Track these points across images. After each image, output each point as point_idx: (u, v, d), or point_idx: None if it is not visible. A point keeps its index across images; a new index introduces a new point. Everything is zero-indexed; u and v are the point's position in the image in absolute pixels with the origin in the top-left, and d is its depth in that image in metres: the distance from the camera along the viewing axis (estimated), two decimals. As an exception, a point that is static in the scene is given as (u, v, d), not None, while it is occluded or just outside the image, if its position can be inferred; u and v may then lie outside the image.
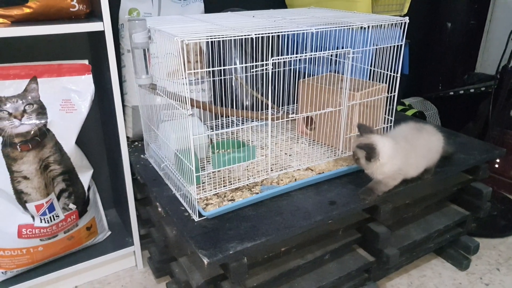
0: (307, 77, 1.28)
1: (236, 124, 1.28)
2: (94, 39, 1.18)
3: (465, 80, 2.05)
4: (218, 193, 0.99)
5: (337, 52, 1.08)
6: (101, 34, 1.03)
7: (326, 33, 1.17)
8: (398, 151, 0.98)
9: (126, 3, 1.24)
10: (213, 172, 1.04)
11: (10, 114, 1.01)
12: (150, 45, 0.98)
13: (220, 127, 1.30)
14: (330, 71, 1.30)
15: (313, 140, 1.26)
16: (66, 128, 1.09)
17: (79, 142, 1.14)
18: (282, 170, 1.08)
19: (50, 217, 1.11)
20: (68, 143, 1.11)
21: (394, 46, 1.12)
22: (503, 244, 1.45)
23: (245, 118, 1.12)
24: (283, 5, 1.63)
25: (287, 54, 1.26)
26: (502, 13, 2.08)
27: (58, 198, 1.13)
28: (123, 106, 1.31)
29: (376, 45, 1.12)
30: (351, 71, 1.08)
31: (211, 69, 1.19)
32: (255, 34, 0.88)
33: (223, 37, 0.86)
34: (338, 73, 1.27)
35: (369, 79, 1.21)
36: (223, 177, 1.03)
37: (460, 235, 1.33)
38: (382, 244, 1.06)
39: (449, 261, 1.35)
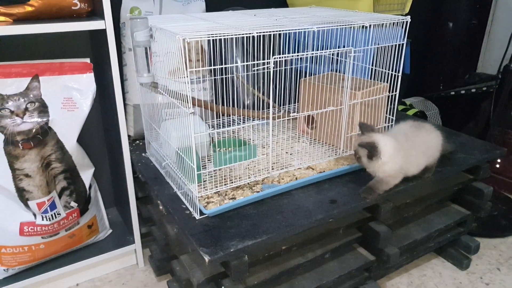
0: (308, 76, 1.28)
1: (237, 123, 1.29)
2: (95, 38, 1.19)
3: (466, 80, 2.05)
4: (219, 191, 0.99)
5: (338, 51, 1.08)
6: (103, 32, 1.04)
7: (327, 32, 1.18)
8: (400, 149, 0.98)
9: (128, 1, 1.24)
10: (214, 171, 1.04)
11: (12, 112, 1.01)
12: (152, 43, 0.98)
13: (221, 125, 1.30)
14: (331, 70, 1.30)
15: (314, 139, 1.27)
16: (68, 126, 1.09)
17: (81, 140, 1.14)
18: (283, 169, 1.08)
19: (51, 215, 1.12)
20: (70, 142, 1.11)
21: (396, 45, 1.12)
22: (504, 244, 1.45)
23: (246, 117, 1.12)
24: (285, 4, 1.63)
25: (289, 53, 1.26)
26: (504, 13, 2.08)
27: (60, 196, 1.13)
28: (125, 104, 1.32)
29: (378, 44, 1.12)
30: (352, 70, 1.08)
31: (212, 67, 1.19)
32: (257, 33, 0.88)
33: (225, 36, 0.86)
34: (339, 72, 1.27)
35: (370, 78, 1.22)
36: (224, 176, 1.03)
37: (460, 234, 1.33)
38: (383, 243, 1.06)
39: (449, 261, 1.35)
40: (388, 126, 1.24)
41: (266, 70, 0.92)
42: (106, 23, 1.01)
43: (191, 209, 0.94)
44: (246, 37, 0.88)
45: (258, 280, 0.93)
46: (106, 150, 1.42)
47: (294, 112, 1.37)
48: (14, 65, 1.03)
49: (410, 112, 1.89)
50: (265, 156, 1.13)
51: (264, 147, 1.21)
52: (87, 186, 1.20)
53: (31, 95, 1.04)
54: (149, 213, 1.20)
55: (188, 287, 0.99)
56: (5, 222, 1.08)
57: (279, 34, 1.18)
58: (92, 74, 1.10)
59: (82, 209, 1.20)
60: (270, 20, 1.04)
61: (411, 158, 1.02)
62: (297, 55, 1.00)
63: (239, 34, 0.87)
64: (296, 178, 1.06)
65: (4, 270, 1.12)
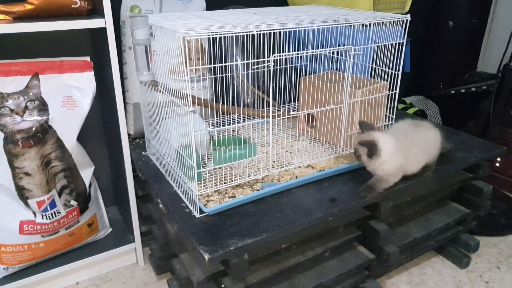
0: (308, 74, 1.28)
1: (237, 122, 1.29)
2: (95, 36, 1.19)
3: (466, 78, 2.05)
4: (219, 189, 1.00)
5: (338, 49, 1.08)
6: (103, 31, 1.04)
7: (327, 30, 1.17)
8: (399, 147, 0.98)
9: (128, 0, 1.24)
10: (214, 169, 1.04)
11: (12, 110, 1.01)
12: (152, 42, 0.98)
13: (221, 124, 1.30)
14: (331, 69, 1.30)
15: (314, 138, 1.27)
16: (68, 124, 1.09)
17: (81, 139, 1.14)
18: (283, 167, 1.08)
19: (51, 213, 1.12)
20: (70, 140, 1.11)
21: (396, 44, 1.12)
22: (503, 242, 1.45)
23: (246, 116, 1.12)
24: (285, 3, 1.63)
25: (289, 51, 1.26)
26: (504, 12, 2.08)
27: (60, 194, 1.13)
28: (125, 103, 1.32)
29: (378, 43, 1.12)
30: (352, 68, 1.08)
31: (212, 65, 1.19)
32: (257, 31, 0.88)
33: (225, 34, 0.86)
34: (339, 70, 1.27)
35: (370, 77, 1.22)
36: (224, 174, 1.03)
37: (460, 233, 1.33)
38: (383, 241, 1.06)
39: (449, 259, 1.36)
40: (388, 124, 1.24)
41: (266, 69, 0.92)
42: (106, 22, 1.01)
43: (191, 208, 0.94)
44: (246, 35, 0.88)
45: (258, 279, 0.93)
46: (106, 149, 1.42)
47: (294, 110, 1.37)
48: (14, 63, 1.03)
49: (410, 111, 1.89)
50: (265, 155, 1.13)
51: (264, 146, 1.22)
52: (87, 185, 1.20)
53: (31, 94, 1.04)
54: (149, 211, 1.20)
55: (188, 286, 0.99)
56: (5, 221, 1.08)
57: (279, 33, 1.18)
58: (92, 72, 1.10)
59: (82, 207, 1.20)
60: (270, 19, 1.04)
61: (411, 156, 1.02)
62: (297, 54, 1.00)
63: (239, 33, 0.87)
64: (296, 177, 1.06)
65: (4, 268, 1.12)
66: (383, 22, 1.09)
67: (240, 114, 1.12)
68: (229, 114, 1.28)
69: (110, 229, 1.34)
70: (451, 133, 1.38)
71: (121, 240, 1.30)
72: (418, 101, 2.08)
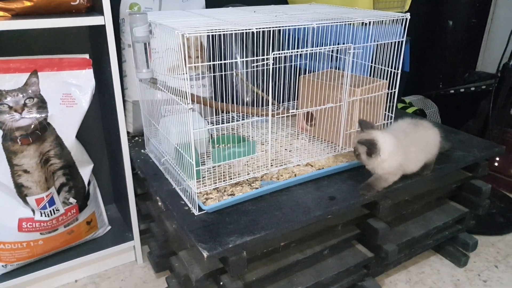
0: (308, 73, 1.28)
1: (237, 120, 1.29)
2: (95, 34, 1.18)
3: (465, 78, 2.05)
4: (218, 187, 1.00)
5: (338, 47, 1.08)
6: (102, 28, 1.03)
7: (327, 28, 1.17)
8: (399, 147, 0.99)
9: (127, -3, 1.24)
10: (213, 167, 1.04)
11: (10, 107, 1.01)
12: (151, 39, 0.98)
13: (220, 122, 1.30)
14: (330, 67, 1.30)
15: (313, 136, 1.27)
16: (67, 122, 1.09)
17: (80, 136, 1.14)
18: (282, 165, 1.08)
19: (50, 211, 1.12)
20: (69, 138, 1.11)
21: (395, 42, 1.12)
22: (502, 241, 1.45)
23: (245, 114, 1.12)
24: (284, 1, 1.62)
25: (288, 49, 1.26)
26: (504, 12, 2.08)
27: (59, 192, 1.13)
28: (124, 101, 1.32)
29: (377, 41, 1.12)
30: (352, 67, 1.08)
31: (211, 63, 1.19)
32: (256, 29, 0.88)
33: (224, 31, 0.86)
34: (338, 69, 1.27)
35: (370, 76, 1.22)
36: (223, 172, 1.03)
37: (458, 232, 1.33)
38: (381, 240, 1.06)
39: (447, 258, 1.36)
40: (387, 123, 1.24)
41: (265, 67, 0.92)
42: (105, 19, 1.01)
43: (190, 205, 0.94)
44: (246, 33, 0.88)
45: (256, 276, 0.93)
46: (105, 147, 1.42)
47: (293, 109, 1.37)
48: (12, 60, 1.03)
49: (410, 110, 1.89)
50: (264, 153, 1.13)
51: (263, 144, 1.22)
52: (86, 182, 1.20)
53: (30, 91, 1.04)
54: (148, 209, 1.20)
55: (186, 283, 0.99)
56: (3, 218, 1.08)
57: (279, 31, 1.18)
58: (91, 70, 1.10)
59: (81, 205, 1.20)
60: (269, 17, 1.04)
61: (410, 155, 1.02)
62: (297, 52, 1.00)
63: (238, 30, 0.87)
64: (295, 175, 1.07)
65: (2, 266, 1.12)
66: (382, 21, 1.09)
67: (239, 112, 1.11)
68: (228, 112, 1.28)
69: (109, 227, 1.34)
70: (450, 132, 1.38)
71: (120, 238, 1.30)
72: (417, 100, 2.08)
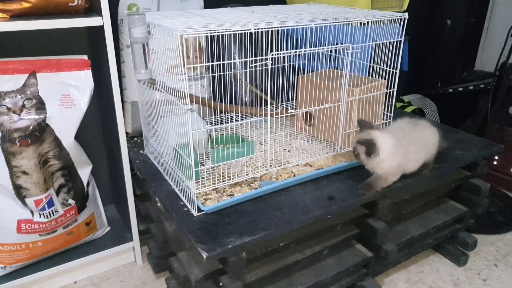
0: (306, 73, 1.28)
1: (235, 120, 1.29)
2: (93, 34, 1.18)
3: (464, 77, 2.05)
4: (217, 188, 0.99)
5: (336, 47, 1.08)
6: (100, 29, 1.03)
7: (325, 28, 1.17)
8: (398, 147, 0.99)
9: (125, -2, 1.23)
10: (212, 167, 1.04)
11: (9, 109, 1.01)
12: (149, 40, 0.98)
13: (219, 122, 1.30)
14: (329, 67, 1.30)
15: (312, 136, 1.27)
16: (65, 123, 1.09)
17: (78, 137, 1.14)
18: (281, 165, 1.08)
19: (49, 212, 1.11)
20: (67, 139, 1.11)
21: (394, 42, 1.12)
22: (501, 240, 1.45)
23: (244, 114, 1.12)
24: (283, 1, 1.62)
25: (287, 49, 1.26)
26: (502, 10, 2.08)
27: (57, 193, 1.13)
28: (122, 101, 1.31)
29: (376, 41, 1.12)
30: (350, 67, 1.08)
31: (210, 63, 1.19)
32: (255, 29, 0.87)
33: (223, 32, 0.86)
34: (337, 69, 1.27)
35: (368, 75, 1.22)
36: (222, 172, 1.03)
37: (458, 231, 1.33)
38: (381, 239, 1.06)
39: (447, 257, 1.36)
40: (386, 123, 1.24)
41: (264, 67, 0.92)
42: (103, 20, 1.01)
43: (189, 206, 0.94)
44: (244, 33, 0.88)
45: (256, 277, 0.93)
46: (104, 147, 1.42)
47: (292, 109, 1.37)
48: (11, 61, 1.02)
49: (408, 109, 1.89)
50: (263, 153, 1.13)
51: (262, 144, 1.21)
52: (85, 183, 1.20)
53: (28, 92, 1.03)
54: (147, 210, 1.20)
55: (186, 284, 0.99)
56: (2, 220, 1.07)
57: (277, 31, 1.18)
58: (90, 71, 1.10)
59: (80, 206, 1.20)
60: (268, 17, 1.04)
61: (409, 155, 1.02)
62: (295, 52, 1.00)
63: (237, 31, 0.87)
64: (294, 175, 1.07)
65: (1, 267, 1.12)
66: (381, 21, 1.09)
67: (238, 113, 1.11)
68: (227, 113, 1.28)
69: (108, 228, 1.34)
70: (449, 131, 1.38)
71: (119, 238, 1.30)
72: (416, 99, 2.08)
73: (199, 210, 0.92)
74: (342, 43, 1.12)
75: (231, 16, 1.04)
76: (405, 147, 1.00)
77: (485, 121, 1.69)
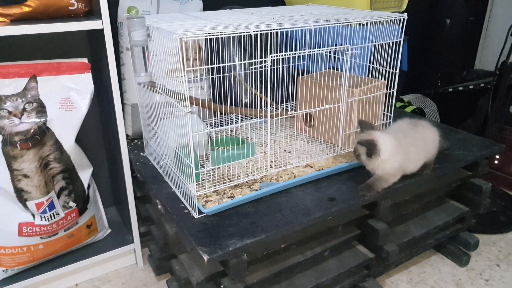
0: (306, 74, 1.28)
1: (235, 122, 1.29)
2: (93, 38, 1.18)
3: (464, 76, 2.05)
4: (217, 190, 1.00)
5: (335, 48, 1.08)
6: (100, 32, 1.04)
7: (324, 29, 1.17)
8: (399, 147, 0.98)
9: (125, 1, 1.23)
10: (212, 169, 1.04)
11: (10, 112, 1.01)
12: (149, 43, 0.98)
13: (219, 124, 1.30)
14: (329, 68, 1.30)
15: (312, 137, 1.27)
16: (66, 126, 1.09)
17: (79, 140, 1.14)
18: (281, 167, 1.08)
19: (50, 215, 1.12)
20: (68, 141, 1.11)
21: (393, 42, 1.12)
22: (503, 240, 1.45)
23: (244, 116, 1.12)
24: (282, 2, 1.63)
25: (286, 51, 1.26)
26: (501, 9, 2.08)
27: (58, 196, 1.13)
28: (123, 104, 1.32)
29: (375, 42, 1.12)
30: (350, 67, 1.08)
31: (210, 66, 1.19)
32: (254, 31, 0.88)
33: (222, 35, 0.86)
34: (337, 70, 1.27)
35: (368, 76, 1.22)
36: (223, 174, 1.03)
37: (459, 231, 1.33)
38: (382, 240, 1.06)
39: (449, 257, 1.36)
40: (386, 123, 1.24)
41: (263, 69, 0.92)
42: (103, 23, 1.01)
43: (189, 208, 0.94)
44: (244, 35, 0.88)
45: (257, 279, 0.93)
46: (105, 150, 1.42)
47: (292, 110, 1.37)
48: (11, 65, 1.03)
49: (408, 109, 1.89)
50: (263, 155, 1.13)
51: (262, 146, 1.22)
52: (85, 186, 1.20)
53: (29, 96, 1.04)
54: (148, 212, 1.20)
55: (187, 286, 0.99)
56: (3, 223, 1.08)
57: (277, 33, 1.18)
58: (90, 74, 1.10)
59: (81, 209, 1.20)
60: (267, 19, 1.04)
61: (410, 156, 1.02)
62: (295, 53, 1.00)
63: (236, 33, 0.87)
64: (295, 176, 1.06)
65: (3, 271, 1.12)
66: (380, 21, 1.09)
67: (238, 114, 1.12)
68: (227, 114, 1.28)
69: (109, 230, 1.34)
70: (449, 131, 1.38)
71: (120, 241, 1.30)
72: (416, 99, 2.08)
73: (200, 212, 0.92)
74: (341, 44, 1.12)
75: (230, 18, 1.04)
76: (406, 147, 1.00)
77: (486, 121, 1.69)
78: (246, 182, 1.03)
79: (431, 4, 2.04)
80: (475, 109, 1.82)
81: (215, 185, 0.97)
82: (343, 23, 1.03)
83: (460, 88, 1.93)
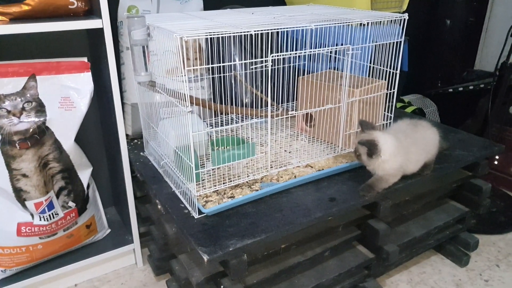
0: (307, 74, 1.28)
1: (236, 121, 1.28)
2: (93, 37, 1.18)
3: (464, 77, 2.05)
4: (217, 190, 0.99)
5: (336, 49, 1.08)
6: (100, 31, 1.03)
7: (325, 29, 1.17)
8: (399, 148, 0.98)
9: (125, 0, 1.23)
10: (212, 169, 1.04)
11: (8, 112, 1.01)
12: (149, 42, 0.98)
13: (219, 124, 1.30)
14: (329, 68, 1.30)
15: (312, 137, 1.26)
16: (65, 126, 1.09)
17: (78, 140, 1.14)
18: (281, 167, 1.08)
19: (49, 215, 1.11)
20: (67, 141, 1.11)
21: (393, 42, 1.12)
22: (503, 240, 1.45)
23: (244, 115, 1.12)
24: (282, 2, 1.62)
25: (287, 51, 1.26)
26: (501, 10, 2.08)
27: (58, 196, 1.12)
28: (122, 103, 1.31)
29: (375, 42, 1.12)
30: (351, 67, 1.08)
31: (210, 65, 1.19)
32: (254, 31, 0.87)
33: (222, 34, 0.86)
34: (337, 70, 1.27)
35: (369, 76, 1.21)
36: (223, 174, 1.03)
37: (459, 231, 1.33)
38: (382, 240, 1.06)
39: (448, 258, 1.36)
40: (386, 123, 1.24)
41: (264, 68, 0.92)
42: (103, 22, 1.01)
43: (189, 208, 0.94)
44: (244, 35, 0.87)
45: (257, 279, 0.93)
46: (104, 150, 1.42)
47: (293, 110, 1.37)
48: (11, 64, 1.02)
49: (408, 109, 1.89)
50: (264, 155, 1.13)
51: (263, 146, 1.21)
52: (85, 186, 1.19)
53: (28, 95, 1.03)
54: (147, 212, 1.19)
55: (187, 287, 0.99)
56: (2, 223, 1.07)
57: (277, 32, 1.18)
58: (90, 73, 1.10)
59: (80, 209, 1.19)
60: (268, 18, 1.04)
61: (410, 156, 1.02)
62: (295, 53, 1.00)
63: (237, 32, 0.87)
64: (295, 176, 1.06)
65: (1, 271, 1.12)
66: (381, 21, 1.09)
67: (238, 114, 1.11)
68: (228, 114, 1.27)
69: (109, 230, 1.34)
70: (449, 131, 1.38)
71: (119, 241, 1.29)
72: (416, 99, 2.08)
73: (200, 212, 0.92)
74: (342, 44, 1.12)
75: (231, 18, 1.04)
76: (406, 148, 1.00)
77: (486, 121, 1.69)
78: (247, 182, 1.03)
79: (431, 4, 2.04)
80: (475, 110, 1.82)
81: (215, 185, 0.97)
82: (343, 23, 1.03)
83: (460, 89, 1.93)
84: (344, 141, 1.16)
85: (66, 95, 1.08)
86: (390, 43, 1.12)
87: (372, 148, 0.96)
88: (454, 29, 2.03)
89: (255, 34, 0.87)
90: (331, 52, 1.24)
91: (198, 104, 1.06)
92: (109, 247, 1.27)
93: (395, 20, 1.11)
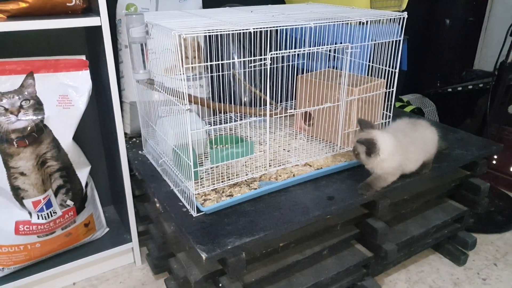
0: (305, 72, 1.28)
1: (234, 120, 1.28)
2: (91, 35, 1.18)
3: (463, 76, 2.05)
4: (216, 188, 0.99)
5: (335, 47, 1.08)
6: (98, 29, 1.03)
7: (324, 28, 1.17)
8: (398, 147, 0.98)
9: (124, -2, 1.23)
10: (211, 168, 1.04)
11: (6, 109, 1.00)
12: (148, 40, 0.98)
13: (218, 122, 1.29)
14: (328, 67, 1.30)
15: (311, 136, 1.26)
16: (63, 124, 1.09)
17: (77, 138, 1.13)
18: (280, 165, 1.08)
19: (47, 213, 1.11)
20: (65, 139, 1.10)
21: (393, 41, 1.12)
22: (501, 239, 1.45)
23: (243, 114, 1.12)
24: (281, 1, 1.62)
25: (285, 49, 1.26)
26: (500, 10, 2.08)
27: (56, 194, 1.12)
28: (121, 102, 1.31)
29: (375, 41, 1.12)
30: (350, 66, 1.08)
31: (209, 63, 1.19)
32: (253, 29, 0.87)
33: (221, 32, 0.86)
34: (336, 68, 1.26)
35: (368, 75, 1.21)
36: (221, 173, 1.03)
37: (457, 230, 1.33)
38: (380, 239, 1.06)
39: (447, 257, 1.36)
40: (385, 122, 1.24)
41: (263, 67, 0.91)
42: (101, 20, 1.00)
43: (188, 207, 0.94)
44: (243, 33, 0.87)
45: (255, 277, 0.93)
46: (103, 148, 1.41)
47: (291, 109, 1.37)
48: (8, 62, 1.02)
49: (407, 109, 1.89)
50: (263, 153, 1.13)
51: (262, 144, 1.21)
52: (83, 184, 1.19)
53: (26, 93, 1.03)
54: (146, 211, 1.19)
55: (185, 285, 0.98)
56: (0, 221, 1.07)
57: (276, 31, 1.18)
58: (88, 71, 1.10)
59: (79, 207, 1.19)
60: (267, 16, 1.03)
61: (409, 155, 1.02)
62: (294, 52, 1.00)
63: (236, 30, 0.86)
64: (294, 175, 1.06)
65: (0, 269, 1.12)
66: (380, 20, 1.09)
67: (237, 113, 1.11)
68: (226, 113, 1.27)
69: (107, 229, 1.34)
70: (448, 131, 1.38)
71: (118, 239, 1.29)
72: (415, 99, 2.08)
73: (198, 210, 0.91)
74: (341, 43, 1.12)
75: (230, 16, 1.03)
76: (405, 147, 1.00)
77: (484, 121, 1.69)
78: (245, 180, 1.03)
79: (430, 4, 2.04)
80: (474, 109, 1.82)
81: (213, 184, 0.97)
82: (343, 21, 1.03)
83: (459, 88, 1.93)
84: (342, 140, 1.16)
85: (64, 93, 1.07)
86: (389, 41, 1.12)
87: (371, 147, 0.96)
88: (453, 29, 2.03)
89: (254, 32, 0.87)
90: (330, 51, 1.24)
91: (197, 102, 1.06)
92: (108, 246, 1.26)
93: (394, 19, 1.10)
